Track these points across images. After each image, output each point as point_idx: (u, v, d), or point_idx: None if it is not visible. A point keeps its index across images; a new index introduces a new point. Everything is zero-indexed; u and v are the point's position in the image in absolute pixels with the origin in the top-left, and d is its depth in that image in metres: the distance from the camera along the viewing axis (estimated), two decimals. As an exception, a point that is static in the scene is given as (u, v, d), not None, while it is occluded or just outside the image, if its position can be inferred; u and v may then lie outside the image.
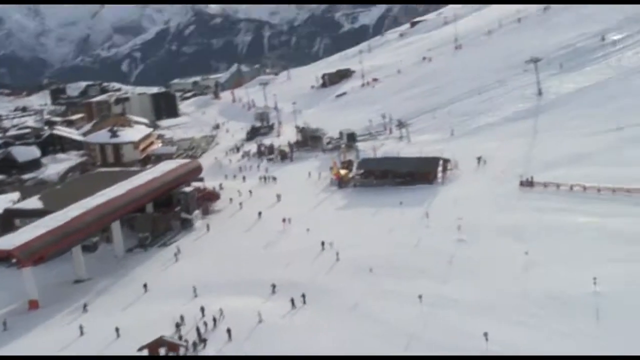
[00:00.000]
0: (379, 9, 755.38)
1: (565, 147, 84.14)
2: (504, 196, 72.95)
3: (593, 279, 48.44)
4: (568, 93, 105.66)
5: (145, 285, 61.78)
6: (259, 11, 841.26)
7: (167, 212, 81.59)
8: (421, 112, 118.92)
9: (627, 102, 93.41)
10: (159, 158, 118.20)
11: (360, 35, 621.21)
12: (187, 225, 79.34)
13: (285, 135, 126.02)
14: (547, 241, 59.11)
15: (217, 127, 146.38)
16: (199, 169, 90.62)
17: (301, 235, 69.37)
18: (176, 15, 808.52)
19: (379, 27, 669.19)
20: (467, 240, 61.91)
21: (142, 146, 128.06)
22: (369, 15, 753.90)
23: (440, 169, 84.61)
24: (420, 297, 50.70)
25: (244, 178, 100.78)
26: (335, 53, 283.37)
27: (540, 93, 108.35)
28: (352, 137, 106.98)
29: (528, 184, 74.11)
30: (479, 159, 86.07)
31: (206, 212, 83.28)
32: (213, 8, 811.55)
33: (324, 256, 63.11)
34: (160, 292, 60.79)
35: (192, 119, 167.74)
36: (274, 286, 57.17)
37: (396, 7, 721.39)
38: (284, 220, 73.84)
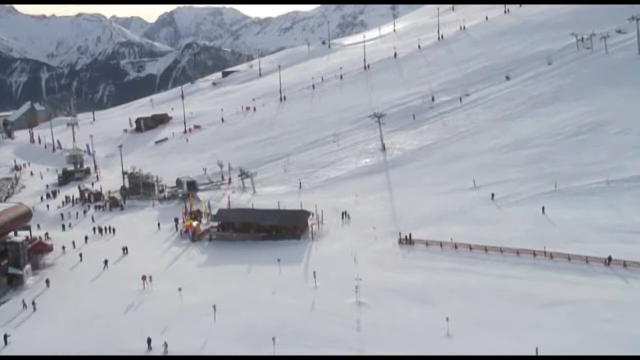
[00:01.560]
0: (166, 60, 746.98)
1: (429, 205, 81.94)
2: (385, 254, 67.90)
3: (535, 349, 44.25)
4: (412, 150, 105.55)
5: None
6: (35, 52, 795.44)
7: (-11, 266, 66.23)
8: (259, 163, 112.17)
9: (475, 161, 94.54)
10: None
11: (147, 84, 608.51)
12: (16, 282, 64.75)
13: (106, 181, 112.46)
14: (454, 304, 54.17)
15: (17, 168, 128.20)
16: (27, 215, 75.29)
17: (170, 295, 58.62)
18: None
19: (167, 78, 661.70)
20: (369, 304, 55.52)
21: None
22: (156, 65, 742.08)
23: (309, 223, 77.98)
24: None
25: (63, 227, 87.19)
26: (121, 102, 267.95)
27: (384, 148, 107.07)
28: (192, 186, 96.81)
29: (407, 241, 69.97)
30: (343, 213, 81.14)
31: (36, 267, 68.98)
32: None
33: (208, 320, 53.40)
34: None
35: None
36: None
37: (184, 59, 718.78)
38: (144, 277, 62.50)
